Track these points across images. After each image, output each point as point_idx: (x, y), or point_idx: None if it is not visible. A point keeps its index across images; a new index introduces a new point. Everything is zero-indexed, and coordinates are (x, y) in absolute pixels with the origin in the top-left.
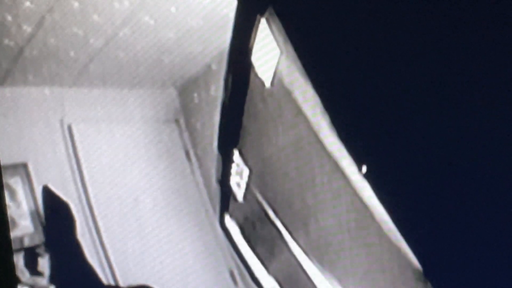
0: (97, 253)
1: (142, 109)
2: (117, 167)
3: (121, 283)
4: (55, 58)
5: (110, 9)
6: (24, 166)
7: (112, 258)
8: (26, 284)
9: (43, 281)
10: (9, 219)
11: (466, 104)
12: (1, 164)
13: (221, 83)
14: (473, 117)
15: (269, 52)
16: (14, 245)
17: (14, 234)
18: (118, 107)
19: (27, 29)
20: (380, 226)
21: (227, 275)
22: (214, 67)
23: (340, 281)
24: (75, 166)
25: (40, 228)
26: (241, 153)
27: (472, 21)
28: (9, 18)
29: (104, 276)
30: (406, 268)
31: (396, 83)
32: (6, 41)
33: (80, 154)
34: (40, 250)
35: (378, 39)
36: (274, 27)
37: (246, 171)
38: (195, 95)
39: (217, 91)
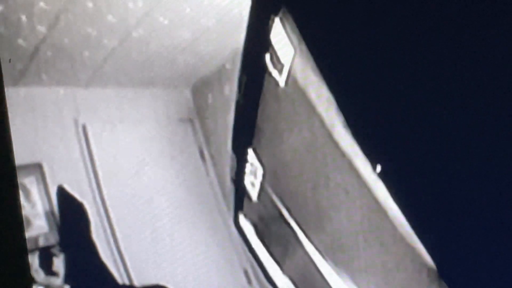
0: (112, 252)
1: (156, 109)
2: (131, 167)
3: (135, 283)
4: (69, 58)
5: (124, 9)
6: (39, 166)
7: (126, 258)
8: (41, 284)
9: (58, 281)
10: (24, 219)
11: (483, 102)
12: (16, 164)
13: (235, 82)
14: (490, 116)
15: (283, 52)
16: (29, 245)
17: (29, 234)
18: (132, 107)
19: (41, 29)
20: (394, 225)
21: (241, 275)
22: (228, 66)
23: (354, 280)
24: (89, 166)
25: (54, 228)
26: (255, 153)
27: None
28: (24, 18)
29: (118, 276)
30: (420, 268)
31: (411, 82)
32: (20, 41)
33: (95, 154)
34: (55, 250)
35: (393, 38)
36: (288, 27)
37: (260, 171)
38: (209, 94)
39: (231, 90)
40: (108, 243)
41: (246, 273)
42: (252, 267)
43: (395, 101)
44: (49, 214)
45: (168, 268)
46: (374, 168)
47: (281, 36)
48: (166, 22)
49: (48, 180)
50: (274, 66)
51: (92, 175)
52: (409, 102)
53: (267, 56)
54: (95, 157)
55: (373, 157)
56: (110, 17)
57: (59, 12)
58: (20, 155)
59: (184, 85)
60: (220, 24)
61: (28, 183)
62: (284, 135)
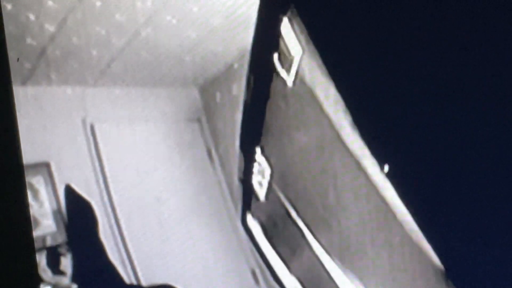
0: (119, 252)
1: (164, 108)
2: (139, 166)
3: (143, 282)
4: (77, 57)
5: (133, 8)
6: (47, 165)
7: (134, 257)
8: (48, 283)
9: (66, 280)
10: (32, 219)
11: (491, 102)
12: (24, 163)
13: (243, 82)
14: (499, 115)
15: (291, 51)
16: (37, 244)
17: (36, 233)
18: (140, 106)
19: (50, 28)
20: (402, 225)
21: (249, 275)
22: (236, 66)
23: (361, 280)
24: (97, 165)
25: (62, 227)
26: (263, 152)
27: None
28: (32, 17)
29: (126, 275)
30: (428, 268)
31: (419, 82)
32: (28, 41)
33: (103, 153)
34: (63, 249)
35: (402, 38)
36: (296, 26)
37: (268, 170)
38: (217, 94)
39: (239, 90)
40: (116, 242)
41: (253, 273)
42: (260, 267)
43: (403, 101)
44: (57, 214)
45: (176, 267)
46: (382, 168)
47: (289, 36)
48: (174, 21)
49: (56, 179)
50: (282, 66)
51: (100, 175)
52: (418, 102)
53: (275, 56)
54: (103, 157)
55: (381, 157)
56: (118, 16)
57: (67, 11)
58: (28, 154)
59: (192, 84)
60: (228, 23)
61: (36, 182)
62: (292, 134)
